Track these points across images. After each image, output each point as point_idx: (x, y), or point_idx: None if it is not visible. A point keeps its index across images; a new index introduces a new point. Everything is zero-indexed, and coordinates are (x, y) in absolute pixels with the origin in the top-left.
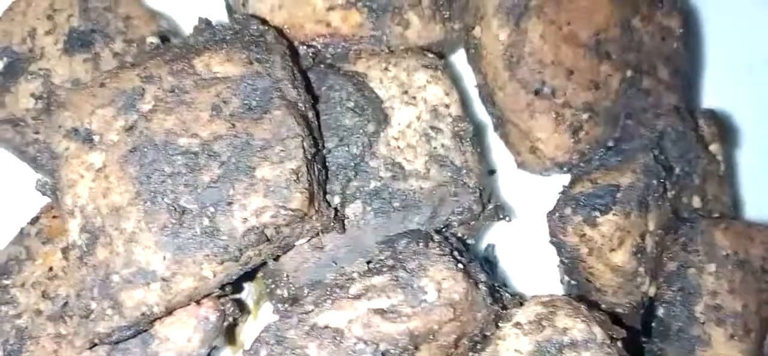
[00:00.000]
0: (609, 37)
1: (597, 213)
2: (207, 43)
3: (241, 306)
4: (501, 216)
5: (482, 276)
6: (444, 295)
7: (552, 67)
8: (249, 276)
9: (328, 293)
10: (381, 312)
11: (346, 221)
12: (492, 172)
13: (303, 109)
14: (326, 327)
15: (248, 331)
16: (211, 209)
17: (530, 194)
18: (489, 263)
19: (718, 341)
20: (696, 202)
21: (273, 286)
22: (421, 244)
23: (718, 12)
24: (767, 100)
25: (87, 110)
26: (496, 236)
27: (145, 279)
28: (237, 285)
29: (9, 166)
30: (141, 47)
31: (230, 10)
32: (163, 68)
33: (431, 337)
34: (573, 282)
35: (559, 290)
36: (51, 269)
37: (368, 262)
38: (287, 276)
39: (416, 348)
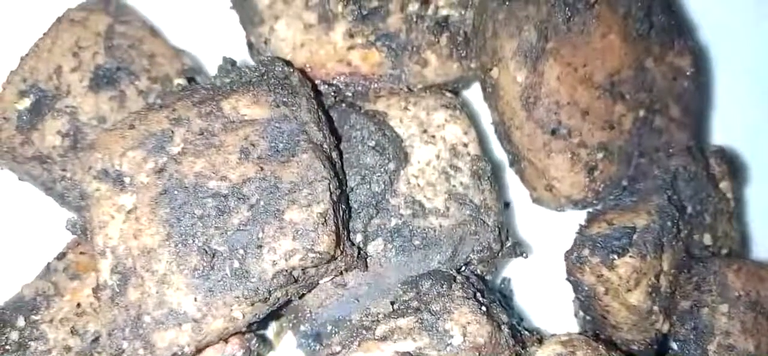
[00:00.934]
0: (623, 78)
1: (614, 256)
2: (233, 84)
3: (264, 341)
4: (518, 253)
5: (504, 317)
6: (469, 338)
7: (568, 108)
8: (273, 313)
9: (354, 334)
10: (408, 355)
11: (367, 259)
12: (507, 205)
13: (328, 150)
14: None
15: None
16: (241, 252)
17: (545, 227)
18: (505, 297)
19: None
20: (707, 239)
21: (297, 322)
22: (444, 286)
23: (728, 50)
24: None
25: (117, 152)
26: (511, 270)
27: (176, 320)
28: (261, 321)
29: (35, 200)
30: (165, 85)
31: (251, 47)
32: (192, 111)
33: None
34: (588, 318)
35: (574, 323)
36: (79, 305)
37: (393, 303)
38: (310, 312)
39: None
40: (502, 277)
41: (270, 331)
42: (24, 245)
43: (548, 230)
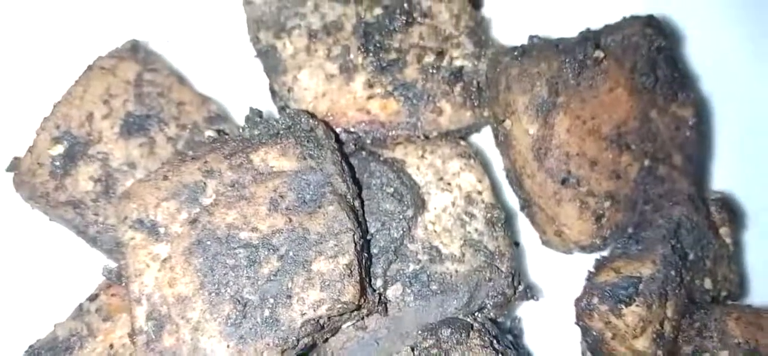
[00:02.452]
0: (629, 129)
1: (622, 305)
2: (262, 136)
3: None
4: (530, 297)
5: None
6: None
7: (577, 159)
8: None
9: None
10: None
11: (387, 304)
12: (517, 244)
13: (351, 200)
14: None
15: None
16: (272, 301)
17: (554, 268)
18: (515, 336)
19: None
20: (707, 284)
21: None
22: (463, 334)
23: (728, 100)
24: None
25: (152, 203)
26: (521, 309)
27: None
28: None
29: (65, 241)
30: (193, 132)
31: (274, 94)
32: (223, 163)
33: None
34: None
35: None
36: (112, 346)
37: (413, 349)
38: (332, 354)
39: None
40: (512, 317)
41: None
42: (54, 285)
43: (557, 272)
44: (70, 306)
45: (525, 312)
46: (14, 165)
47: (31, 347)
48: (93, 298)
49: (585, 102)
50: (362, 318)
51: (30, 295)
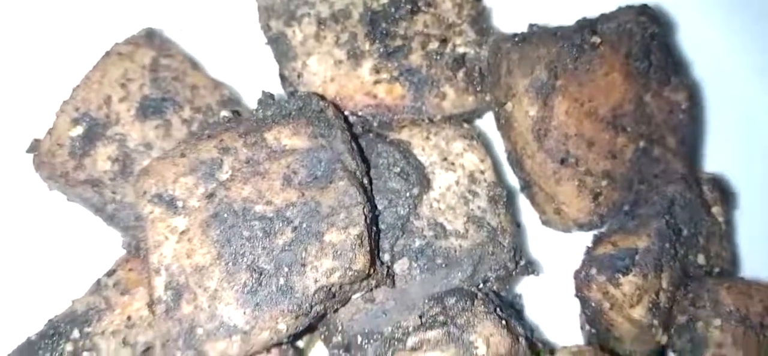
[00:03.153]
0: (624, 112)
1: (619, 275)
2: (274, 117)
3: (299, 352)
4: (530, 271)
5: (521, 329)
6: (492, 349)
7: (575, 139)
8: (307, 327)
9: (387, 345)
10: None
11: (394, 277)
12: (518, 225)
13: (360, 177)
14: None
15: None
16: (286, 270)
17: (553, 247)
18: (517, 311)
19: None
20: (701, 259)
21: (329, 334)
22: (468, 302)
23: (719, 85)
24: (762, 164)
25: (170, 178)
26: (521, 286)
27: (227, 332)
28: (296, 335)
29: (81, 221)
30: (207, 114)
31: (284, 79)
32: (238, 141)
33: None
34: (593, 331)
35: (579, 337)
36: (129, 318)
37: (420, 316)
38: (342, 325)
39: None
40: (513, 294)
41: (301, 343)
42: (71, 265)
43: (556, 251)
44: (86, 284)
45: (525, 289)
46: (34, 147)
47: (49, 321)
48: (110, 273)
49: (582, 85)
50: (371, 290)
51: (47, 274)
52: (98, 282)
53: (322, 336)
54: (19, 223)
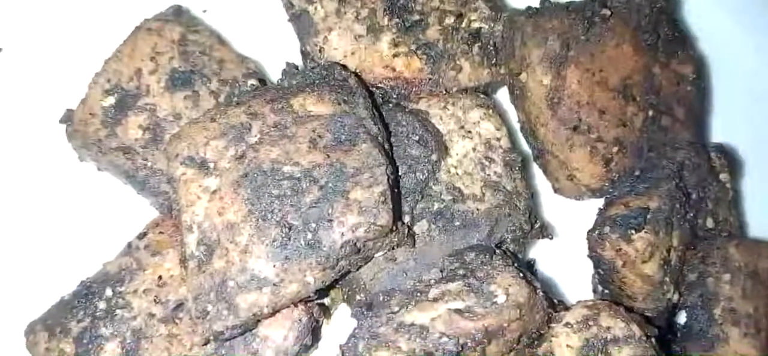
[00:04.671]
0: (634, 82)
1: (632, 231)
2: (299, 86)
3: (324, 309)
4: (545, 235)
5: (538, 284)
6: (511, 298)
7: (587, 108)
8: (330, 286)
9: (410, 297)
10: (459, 312)
11: (414, 237)
12: (532, 192)
13: (382, 141)
14: (412, 324)
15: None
16: (314, 226)
17: (565, 217)
18: (532, 271)
19: (734, 338)
20: (709, 223)
21: (351, 293)
22: (487, 256)
23: (724, 59)
24: (766, 136)
25: (201, 141)
26: (534, 252)
27: (257, 284)
28: (321, 293)
29: (110, 191)
30: (233, 87)
31: (306, 55)
32: (266, 107)
33: (501, 333)
34: (606, 292)
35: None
36: (160, 277)
37: (441, 270)
38: (364, 284)
39: (488, 342)
40: (527, 259)
41: (327, 301)
42: (100, 233)
43: (569, 219)
44: (117, 251)
45: (539, 254)
46: (67, 117)
47: (82, 282)
48: (141, 236)
49: (594, 56)
50: (392, 249)
51: (79, 243)
52: (129, 244)
53: (345, 296)
54: (51, 193)
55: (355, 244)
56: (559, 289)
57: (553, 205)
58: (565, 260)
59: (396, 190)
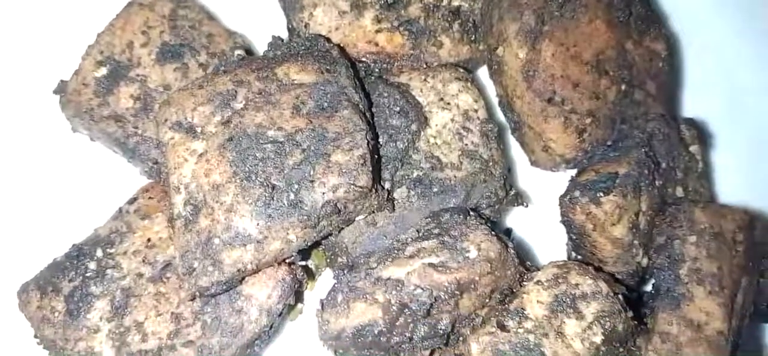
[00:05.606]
0: (607, 57)
1: (601, 194)
2: (284, 56)
3: (307, 272)
4: (519, 202)
5: (510, 244)
6: (483, 253)
7: (561, 80)
8: (312, 247)
9: (387, 254)
10: (433, 266)
11: (394, 202)
12: (508, 170)
13: (363, 109)
14: (389, 278)
15: (306, 299)
16: (296, 186)
17: (541, 188)
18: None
19: (699, 296)
20: (679, 192)
21: (333, 256)
22: (461, 216)
23: (695, 37)
24: (737, 111)
25: (189, 107)
26: (511, 222)
27: (242, 241)
28: (304, 254)
29: (103, 160)
30: (222, 60)
31: (292, 31)
32: (251, 75)
33: (473, 287)
34: (579, 257)
35: None
36: (149, 240)
37: (418, 231)
38: (346, 247)
39: (461, 294)
40: (504, 228)
41: (311, 263)
42: (91, 201)
43: (544, 192)
44: (108, 217)
45: (515, 225)
46: (61, 87)
47: (74, 245)
48: (131, 201)
49: (568, 31)
50: (372, 213)
51: (71, 211)
52: (120, 209)
53: (328, 260)
54: (45, 163)
55: (335, 204)
56: (536, 259)
57: (529, 177)
58: (541, 231)
59: (376, 156)
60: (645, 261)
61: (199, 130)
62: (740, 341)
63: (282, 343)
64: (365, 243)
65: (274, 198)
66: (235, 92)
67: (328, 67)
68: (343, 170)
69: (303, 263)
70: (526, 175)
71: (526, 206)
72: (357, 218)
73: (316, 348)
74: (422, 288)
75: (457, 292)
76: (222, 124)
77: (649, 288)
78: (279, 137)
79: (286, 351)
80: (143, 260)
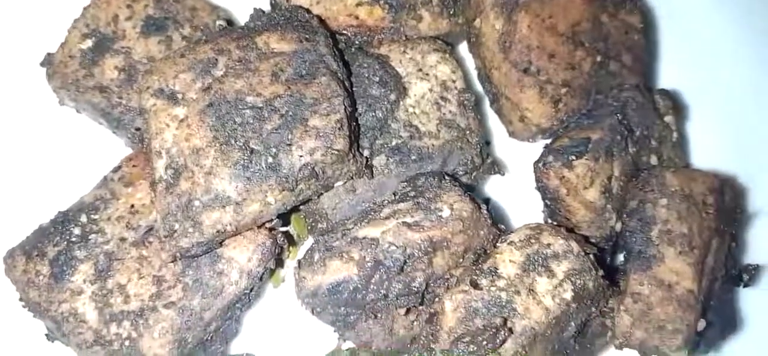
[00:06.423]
0: (582, 29)
1: (573, 157)
2: (264, 26)
3: (289, 239)
4: (496, 171)
5: (483, 207)
6: (455, 213)
7: (537, 51)
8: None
9: (364, 216)
10: (407, 225)
11: (373, 170)
12: (487, 143)
13: (341, 78)
14: (365, 237)
15: (288, 268)
16: (274, 150)
17: (518, 161)
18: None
19: (670, 257)
20: (653, 160)
21: (314, 222)
22: (436, 180)
23: (670, 10)
24: (711, 83)
25: (171, 75)
26: (488, 193)
27: (221, 203)
28: (284, 219)
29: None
30: (205, 32)
31: (275, 5)
32: (232, 44)
33: (445, 245)
34: (554, 224)
35: None
36: (132, 206)
37: (394, 194)
38: (326, 213)
39: (434, 252)
40: (484, 197)
41: (291, 229)
42: (77, 171)
43: (521, 164)
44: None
45: (493, 196)
46: (48, 60)
47: (59, 212)
48: (116, 170)
49: (544, 3)
50: (351, 179)
51: (56, 182)
52: (104, 177)
53: (309, 226)
54: (32, 135)
55: (313, 168)
56: (513, 228)
57: (507, 150)
58: (519, 202)
59: (354, 123)
60: (618, 226)
61: (180, 96)
62: (714, 304)
63: (264, 311)
64: (345, 210)
65: (253, 161)
66: (216, 60)
67: (307, 36)
68: (321, 134)
69: (284, 229)
70: (504, 147)
71: (503, 174)
72: (336, 185)
73: (299, 315)
74: (396, 246)
75: (430, 250)
76: (202, 91)
77: (622, 258)
78: (258, 102)
79: (269, 319)
80: (126, 226)
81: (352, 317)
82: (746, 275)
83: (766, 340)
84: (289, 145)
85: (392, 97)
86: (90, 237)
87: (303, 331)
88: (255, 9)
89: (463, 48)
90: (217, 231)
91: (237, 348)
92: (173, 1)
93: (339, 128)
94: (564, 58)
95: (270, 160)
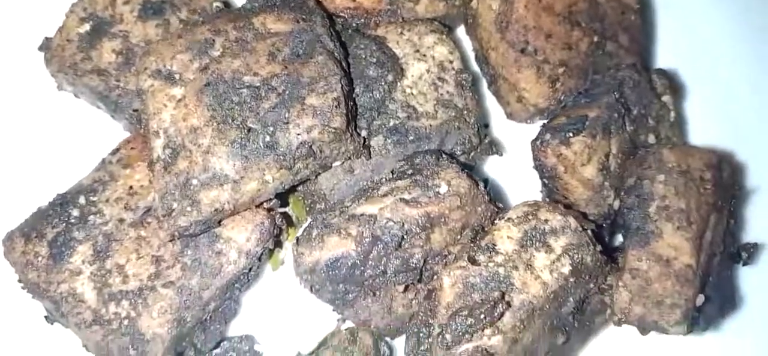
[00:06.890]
0: (579, 9)
1: (570, 135)
2: (261, 7)
3: (288, 220)
4: (494, 151)
5: (481, 184)
6: (453, 189)
7: (534, 31)
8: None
9: (362, 194)
10: (405, 201)
11: (371, 151)
12: (486, 126)
13: (338, 57)
14: (363, 214)
15: (287, 251)
16: (272, 128)
17: (516, 143)
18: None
19: (668, 232)
20: (651, 139)
21: (313, 203)
22: (433, 157)
23: None
24: (708, 63)
25: (168, 56)
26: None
27: (219, 181)
28: (282, 199)
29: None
30: (202, 14)
31: None
32: (229, 25)
33: (443, 221)
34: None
35: None
36: (131, 187)
37: (392, 172)
38: (324, 194)
39: (431, 228)
40: (482, 177)
41: (289, 210)
42: (75, 156)
43: (520, 146)
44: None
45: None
46: (46, 45)
47: (58, 194)
48: (114, 152)
49: None
50: (349, 159)
51: (56, 166)
52: (103, 160)
53: (308, 207)
54: (31, 120)
55: (310, 146)
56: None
57: (506, 131)
58: (517, 183)
59: (351, 102)
60: (616, 204)
61: (177, 77)
62: (712, 281)
63: (264, 292)
64: (343, 190)
65: (250, 140)
66: (213, 40)
67: (303, 17)
68: (318, 112)
69: (282, 209)
70: (503, 129)
71: (501, 154)
72: (334, 166)
73: (298, 297)
74: (394, 221)
75: (427, 225)
76: (200, 71)
77: (621, 238)
78: (255, 82)
79: (268, 300)
80: (125, 207)
81: (350, 295)
82: (745, 253)
83: (766, 319)
84: (287, 123)
85: (389, 78)
86: (89, 219)
87: (302, 313)
88: None
89: (460, 32)
90: (215, 210)
91: (236, 330)
92: None
93: (336, 106)
94: (561, 38)
95: (267, 138)
